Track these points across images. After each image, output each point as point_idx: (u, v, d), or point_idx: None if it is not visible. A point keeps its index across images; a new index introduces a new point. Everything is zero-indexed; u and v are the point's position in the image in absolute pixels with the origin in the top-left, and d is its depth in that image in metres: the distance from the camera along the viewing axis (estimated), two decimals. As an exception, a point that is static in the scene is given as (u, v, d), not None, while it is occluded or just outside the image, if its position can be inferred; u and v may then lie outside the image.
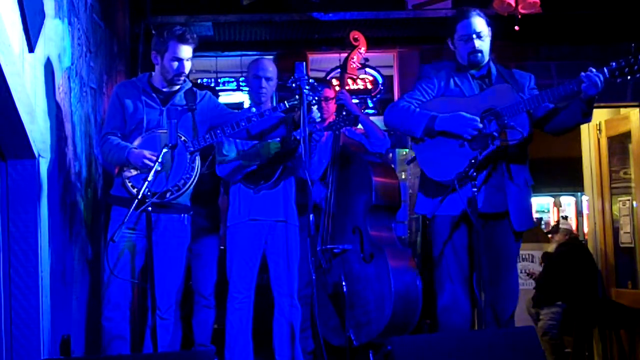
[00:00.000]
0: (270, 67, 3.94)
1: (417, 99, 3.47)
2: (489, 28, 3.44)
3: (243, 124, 3.46)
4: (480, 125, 3.25)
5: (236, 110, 3.93)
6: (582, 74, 3.14)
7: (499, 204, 3.34)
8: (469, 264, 3.38)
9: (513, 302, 3.43)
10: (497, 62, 3.54)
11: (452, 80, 3.45)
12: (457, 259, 3.37)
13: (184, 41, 3.45)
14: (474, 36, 3.37)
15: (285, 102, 3.43)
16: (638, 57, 3.05)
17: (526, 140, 3.26)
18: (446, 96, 3.45)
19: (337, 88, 4.55)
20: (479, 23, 3.39)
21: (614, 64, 3.11)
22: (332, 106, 4.42)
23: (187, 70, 3.52)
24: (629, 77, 3.10)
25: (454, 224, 3.38)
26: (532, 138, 3.34)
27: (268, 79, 3.90)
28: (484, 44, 3.39)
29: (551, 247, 6.14)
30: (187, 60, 3.49)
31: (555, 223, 6.45)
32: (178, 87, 3.58)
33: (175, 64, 3.46)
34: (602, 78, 3.11)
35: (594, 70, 3.13)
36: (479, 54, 3.38)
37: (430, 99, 3.47)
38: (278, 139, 3.74)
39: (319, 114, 3.61)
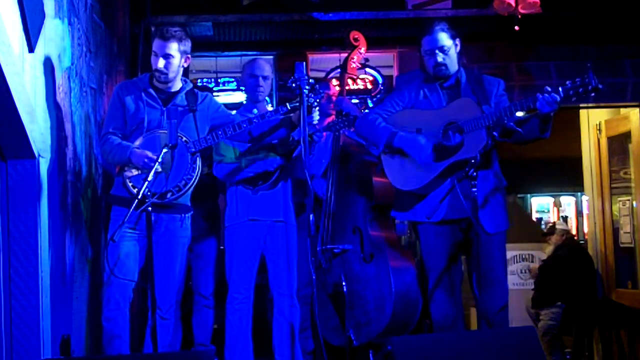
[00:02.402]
0: (266, 67, 3.98)
1: (387, 111, 3.66)
2: (454, 40, 3.55)
3: (245, 125, 3.46)
4: (429, 161, 3.42)
5: (235, 111, 3.94)
6: (538, 94, 3.20)
7: (465, 210, 3.37)
8: (452, 268, 3.51)
9: (500, 300, 3.47)
10: (467, 68, 3.66)
11: (421, 92, 3.61)
12: (435, 262, 3.51)
13: (161, 36, 3.43)
14: (437, 51, 3.50)
15: (287, 104, 3.44)
16: (592, 77, 3.08)
17: (490, 148, 3.38)
18: (413, 109, 3.60)
19: (337, 88, 4.55)
20: (442, 38, 3.51)
21: (569, 83, 3.15)
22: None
23: (162, 66, 3.43)
24: (583, 96, 3.13)
25: (436, 230, 3.50)
26: (496, 146, 3.46)
27: (265, 78, 3.95)
28: (447, 58, 3.52)
29: (548, 249, 6.13)
30: (165, 56, 3.43)
31: (552, 224, 6.45)
32: (179, 87, 3.57)
33: (154, 59, 3.45)
34: (556, 98, 3.15)
35: (549, 89, 3.18)
36: (443, 67, 3.52)
37: (398, 111, 3.63)
38: (276, 140, 3.74)
39: (317, 118, 3.66)
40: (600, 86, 3.09)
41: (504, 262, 3.57)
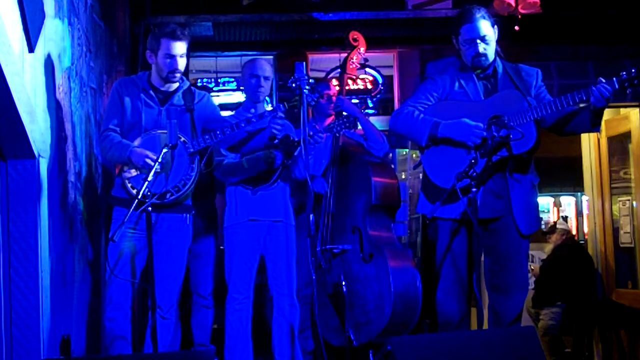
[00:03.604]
0: (267, 67, 3.99)
1: (421, 103, 3.43)
2: (495, 28, 3.37)
3: (243, 125, 3.45)
4: (485, 133, 3.21)
5: (234, 111, 3.95)
6: (592, 87, 3.06)
7: (500, 209, 3.31)
8: (467, 267, 3.38)
9: (517, 305, 3.39)
10: (503, 58, 3.48)
11: (457, 82, 3.40)
12: (453, 262, 3.37)
13: (175, 37, 3.44)
14: (479, 40, 3.31)
15: (285, 103, 3.44)
16: None
17: (534, 148, 3.22)
18: (451, 100, 3.40)
19: (337, 88, 4.55)
20: (484, 26, 3.32)
21: (624, 74, 3.03)
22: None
23: (180, 67, 3.49)
24: (639, 88, 3.04)
25: (454, 227, 3.38)
26: (540, 145, 3.27)
27: (266, 78, 3.95)
28: (488, 47, 3.33)
29: (548, 248, 6.13)
30: (181, 56, 3.47)
31: (553, 223, 6.45)
32: (176, 86, 3.57)
33: (168, 61, 3.45)
34: (611, 90, 3.04)
35: (603, 81, 3.06)
36: (483, 58, 3.33)
37: (435, 103, 3.42)
38: (277, 140, 3.72)
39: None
40: None
41: (527, 266, 3.49)
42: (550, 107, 3.15)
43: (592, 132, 3.30)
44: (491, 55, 3.37)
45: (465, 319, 3.45)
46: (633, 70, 3.02)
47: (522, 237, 3.35)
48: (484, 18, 3.34)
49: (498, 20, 3.49)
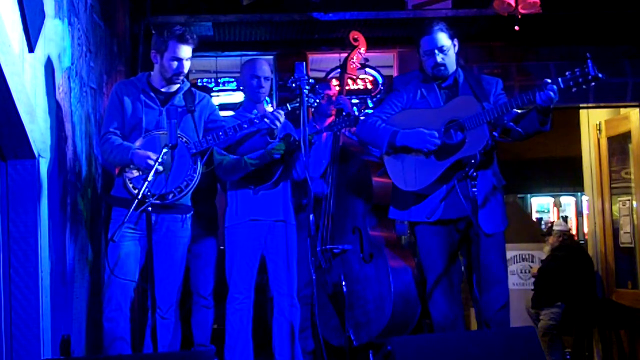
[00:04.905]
0: (266, 67, 3.98)
1: (386, 113, 3.64)
2: (453, 40, 3.55)
3: (245, 126, 3.45)
4: (439, 142, 3.39)
5: (234, 111, 3.94)
6: (537, 89, 3.19)
7: (463, 209, 3.37)
8: (448, 267, 3.50)
9: (498, 299, 3.46)
10: (465, 68, 3.65)
11: (419, 92, 3.60)
12: (433, 263, 3.51)
13: (184, 41, 3.45)
14: (437, 51, 3.50)
15: (288, 104, 3.44)
16: (591, 66, 3.07)
17: (485, 148, 3.35)
18: (412, 109, 3.59)
19: (337, 88, 4.56)
20: (442, 38, 3.51)
21: (568, 74, 3.14)
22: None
23: (186, 70, 3.51)
24: (584, 87, 3.12)
25: (434, 230, 3.50)
26: (496, 145, 3.43)
27: (267, 79, 3.94)
28: (447, 58, 3.52)
29: (546, 249, 6.13)
30: (187, 60, 3.49)
31: (549, 225, 6.45)
32: (177, 87, 3.57)
33: (175, 63, 3.46)
34: (555, 88, 3.14)
35: (549, 81, 3.17)
36: (442, 68, 3.52)
37: (397, 112, 3.62)
38: (278, 140, 3.72)
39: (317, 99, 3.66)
40: (600, 75, 3.06)
41: (504, 262, 3.56)
42: (501, 109, 3.28)
43: (542, 131, 3.38)
44: (450, 65, 3.56)
45: (458, 319, 3.53)
46: (577, 70, 3.12)
47: (486, 235, 3.43)
48: (442, 31, 3.53)
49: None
